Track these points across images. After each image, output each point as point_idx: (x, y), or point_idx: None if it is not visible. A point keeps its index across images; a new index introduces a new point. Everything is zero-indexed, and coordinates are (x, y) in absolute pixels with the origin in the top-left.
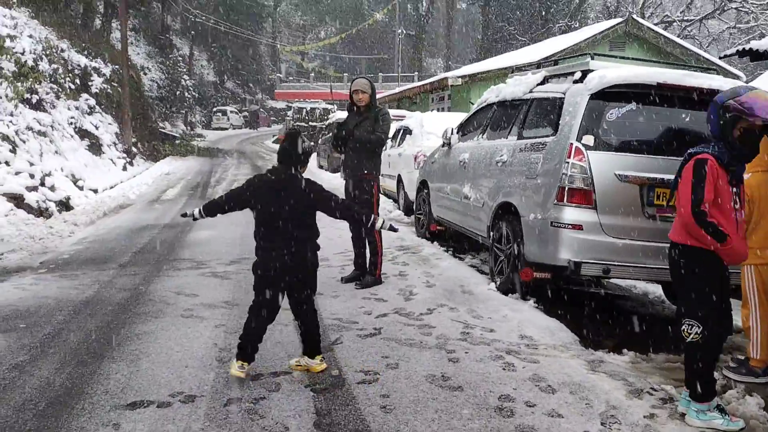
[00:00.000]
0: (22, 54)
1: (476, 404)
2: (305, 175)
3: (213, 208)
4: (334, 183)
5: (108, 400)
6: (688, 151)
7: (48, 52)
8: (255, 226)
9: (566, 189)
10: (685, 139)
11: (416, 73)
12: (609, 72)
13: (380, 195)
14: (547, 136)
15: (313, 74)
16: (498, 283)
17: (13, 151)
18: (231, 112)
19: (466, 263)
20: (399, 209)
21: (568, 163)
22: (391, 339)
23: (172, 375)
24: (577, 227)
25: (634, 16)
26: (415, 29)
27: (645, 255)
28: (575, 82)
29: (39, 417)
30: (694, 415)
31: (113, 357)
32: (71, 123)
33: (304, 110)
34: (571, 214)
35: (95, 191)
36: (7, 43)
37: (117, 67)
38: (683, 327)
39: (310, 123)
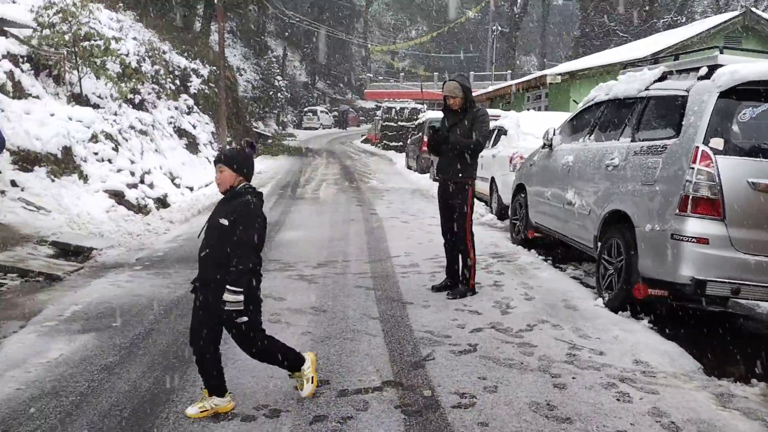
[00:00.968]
0: (127, 55)
1: None
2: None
3: None
4: (423, 184)
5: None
6: None
7: (150, 54)
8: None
9: (690, 198)
10: None
11: (509, 71)
12: (742, 67)
13: (474, 200)
14: (667, 138)
15: (402, 74)
16: (606, 298)
17: (116, 149)
18: (321, 111)
19: (567, 274)
20: (491, 213)
21: (693, 168)
22: (487, 357)
23: (257, 385)
24: (703, 241)
25: (753, 9)
26: (509, 26)
27: None
28: (700, 78)
29: (123, 424)
30: None
31: None
32: (170, 122)
33: (393, 110)
34: (696, 226)
35: (191, 189)
36: (113, 45)
37: (214, 68)
38: None
39: (399, 122)
